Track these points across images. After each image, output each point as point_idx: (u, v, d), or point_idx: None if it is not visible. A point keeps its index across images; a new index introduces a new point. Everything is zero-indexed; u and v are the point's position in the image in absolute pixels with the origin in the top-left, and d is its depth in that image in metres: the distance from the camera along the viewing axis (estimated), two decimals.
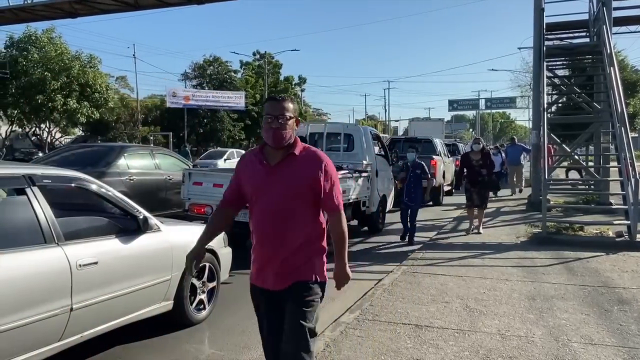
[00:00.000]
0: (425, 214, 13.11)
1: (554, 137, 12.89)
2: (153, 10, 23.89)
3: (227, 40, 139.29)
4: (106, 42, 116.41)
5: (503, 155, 17.78)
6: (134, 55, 44.08)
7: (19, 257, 3.23)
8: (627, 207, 8.60)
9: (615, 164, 10.60)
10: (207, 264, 4.92)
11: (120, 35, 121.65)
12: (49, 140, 33.54)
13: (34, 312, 3.20)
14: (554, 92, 14.44)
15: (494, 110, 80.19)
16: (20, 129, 34.96)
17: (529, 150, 16.22)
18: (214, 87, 43.38)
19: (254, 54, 49.14)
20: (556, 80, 14.76)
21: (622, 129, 9.38)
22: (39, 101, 28.03)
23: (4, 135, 32.61)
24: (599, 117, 12.62)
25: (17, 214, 3.51)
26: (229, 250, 5.43)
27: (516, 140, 19.61)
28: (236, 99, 42.01)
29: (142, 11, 23.38)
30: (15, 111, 30.49)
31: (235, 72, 47.10)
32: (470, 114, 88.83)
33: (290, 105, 2.60)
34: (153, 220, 4.37)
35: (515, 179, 17.60)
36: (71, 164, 8.70)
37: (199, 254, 2.85)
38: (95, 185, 4.12)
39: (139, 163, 9.41)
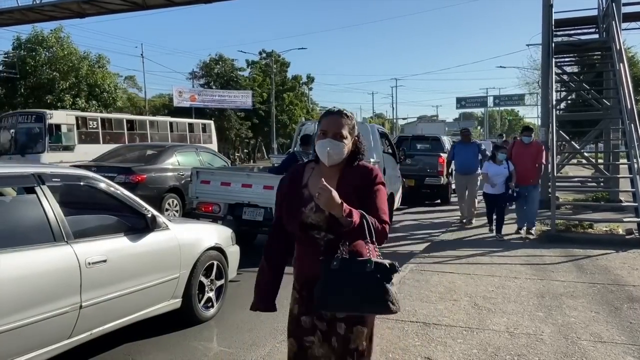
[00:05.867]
0: (433, 212, 13.11)
1: (563, 134, 12.79)
2: (161, 9, 23.96)
3: (235, 39, 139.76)
4: (114, 41, 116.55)
5: (511, 166, 8.71)
6: (141, 54, 44.59)
7: (29, 256, 3.26)
8: (637, 204, 8.54)
9: (625, 161, 10.51)
10: (215, 262, 4.93)
11: (128, 35, 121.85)
12: None
13: (44, 310, 3.22)
14: (562, 89, 14.35)
15: (502, 108, 79.81)
16: None
17: (485, 153, 10.60)
18: (220, 86, 43.49)
19: (260, 53, 49.15)
20: (565, 77, 14.66)
21: (632, 125, 9.32)
22: (48, 101, 28.23)
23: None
24: (608, 114, 12.53)
25: (26, 212, 3.54)
26: (237, 248, 5.44)
27: (533, 135, 9.48)
28: (243, 98, 42.10)
29: (150, 11, 23.47)
30: None
31: (242, 70, 47.17)
32: (478, 111, 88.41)
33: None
34: (161, 219, 4.39)
35: (466, 197, 10.33)
36: (132, 161, 10.44)
37: None
38: (103, 183, 4.15)
39: (187, 160, 10.93)
